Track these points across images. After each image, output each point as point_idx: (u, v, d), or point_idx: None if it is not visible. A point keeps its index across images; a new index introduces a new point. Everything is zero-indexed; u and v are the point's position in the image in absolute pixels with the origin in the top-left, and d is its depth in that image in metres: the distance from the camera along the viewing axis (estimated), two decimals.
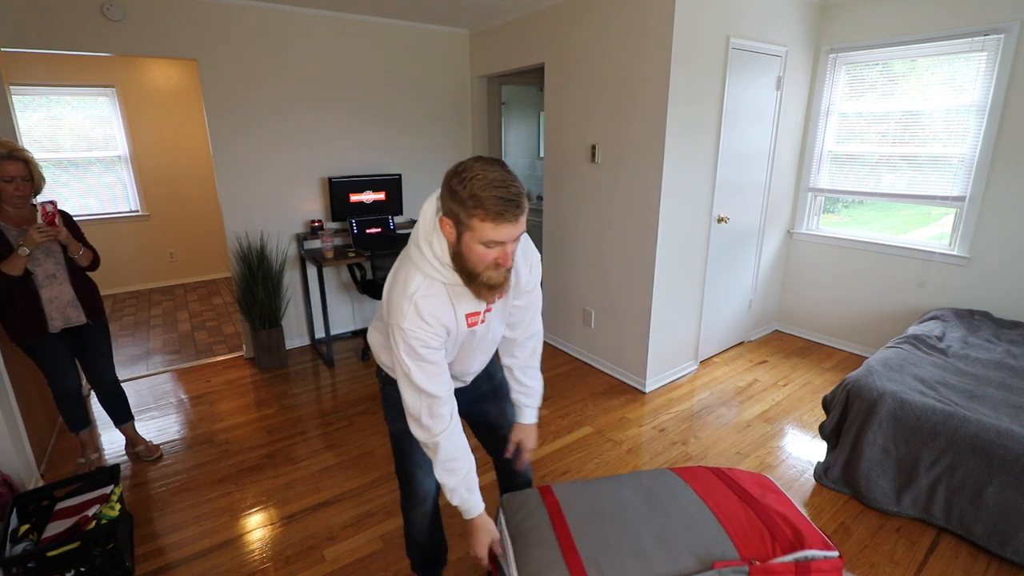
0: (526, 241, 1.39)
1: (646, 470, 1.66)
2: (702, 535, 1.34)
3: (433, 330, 1.22)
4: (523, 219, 1.12)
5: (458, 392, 1.43)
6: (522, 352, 1.55)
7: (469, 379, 1.53)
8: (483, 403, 1.63)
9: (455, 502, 1.33)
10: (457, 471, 1.30)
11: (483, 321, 1.33)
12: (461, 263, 1.17)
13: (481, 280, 1.17)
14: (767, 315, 4.19)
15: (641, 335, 3.23)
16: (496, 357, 1.64)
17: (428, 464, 1.47)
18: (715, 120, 3.15)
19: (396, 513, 2.25)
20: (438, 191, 1.18)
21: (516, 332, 1.52)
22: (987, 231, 3.10)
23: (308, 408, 3.16)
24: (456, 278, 1.21)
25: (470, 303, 1.27)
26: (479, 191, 1.06)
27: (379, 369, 1.53)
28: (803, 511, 1.45)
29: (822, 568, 1.29)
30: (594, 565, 1.26)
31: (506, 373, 1.59)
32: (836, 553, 1.31)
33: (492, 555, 1.43)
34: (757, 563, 1.27)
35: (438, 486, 1.50)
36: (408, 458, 1.52)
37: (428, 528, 1.63)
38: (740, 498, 1.46)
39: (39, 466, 2.48)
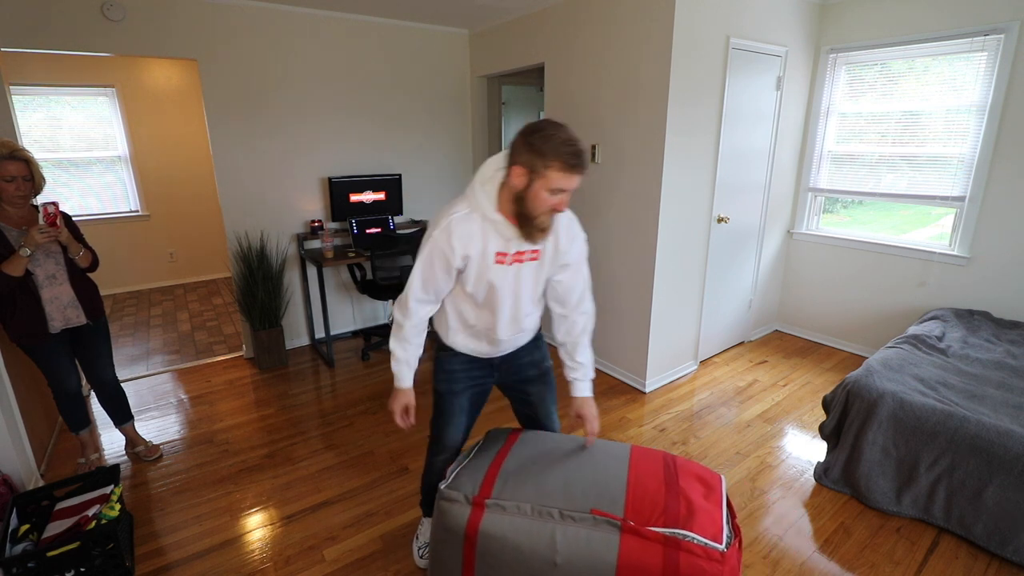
0: (571, 216, 1.57)
1: (611, 440, 1.82)
2: (603, 491, 1.47)
3: (455, 253, 1.42)
4: (584, 173, 1.35)
5: (505, 366, 1.71)
6: (572, 328, 1.67)
7: (502, 346, 1.64)
8: (528, 384, 1.78)
9: (394, 368, 1.61)
10: (408, 349, 1.59)
11: (509, 263, 1.47)
12: (522, 207, 1.37)
13: (536, 224, 1.38)
14: (767, 315, 4.19)
15: (641, 335, 3.23)
16: (547, 347, 1.81)
17: (458, 423, 1.73)
18: (715, 120, 3.15)
19: (396, 513, 2.26)
20: (500, 154, 1.42)
21: (566, 308, 1.67)
22: (987, 231, 3.10)
23: (308, 408, 3.16)
24: (495, 215, 1.40)
25: (500, 243, 1.44)
26: (558, 147, 1.28)
27: (434, 332, 1.73)
28: (723, 509, 1.46)
29: (693, 551, 1.32)
30: (503, 479, 1.53)
31: (560, 352, 1.73)
32: (719, 546, 1.33)
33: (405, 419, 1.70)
34: (631, 523, 1.37)
35: (461, 442, 1.79)
36: (443, 416, 1.74)
37: (444, 473, 1.83)
38: (665, 479, 1.53)
39: (39, 466, 2.48)
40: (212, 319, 4.78)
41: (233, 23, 3.37)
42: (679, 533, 1.35)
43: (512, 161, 1.35)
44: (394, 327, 1.60)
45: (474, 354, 1.67)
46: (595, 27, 3.20)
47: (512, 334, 1.62)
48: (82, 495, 2.05)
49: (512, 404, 1.88)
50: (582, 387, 1.70)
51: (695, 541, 1.33)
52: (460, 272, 1.49)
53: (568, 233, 1.55)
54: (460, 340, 1.64)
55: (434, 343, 1.74)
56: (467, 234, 1.42)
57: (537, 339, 1.78)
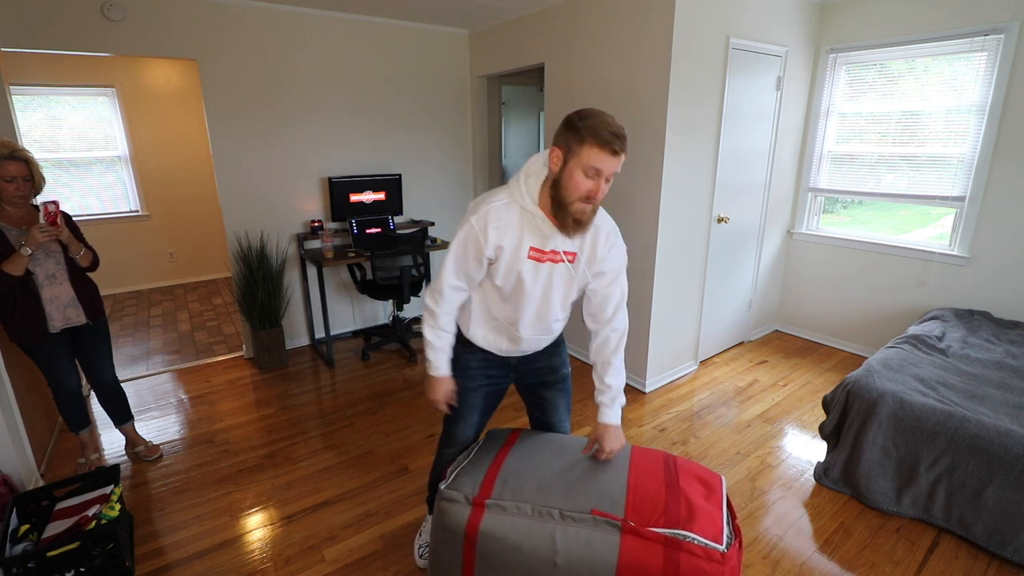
0: (613, 227, 1.52)
1: None
2: (603, 491, 1.47)
3: (488, 242, 1.40)
4: (622, 158, 1.30)
5: (522, 367, 1.69)
6: (604, 347, 1.61)
7: (523, 344, 1.61)
8: (540, 389, 1.77)
9: (430, 356, 1.59)
10: (442, 336, 1.58)
11: (542, 261, 1.44)
12: (557, 191, 1.34)
13: (570, 211, 1.34)
14: (767, 315, 4.19)
15: (641, 335, 3.23)
16: (567, 354, 1.80)
17: (471, 420, 1.73)
18: (715, 120, 3.15)
19: (396, 513, 2.26)
20: (544, 151, 1.40)
21: (598, 323, 1.61)
22: (987, 231, 3.10)
23: (308, 408, 3.16)
24: (535, 208, 1.39)
25: (537, 239, 1.42)
26: (596, 125, 1.27)
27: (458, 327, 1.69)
28: (723, 510, 1.46)
29: (694, 551, 1.32)
30: (503, 480, 1.53)
31: (592, 374, 1.66)
32: (719, 547, 1.33)
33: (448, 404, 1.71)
34: (631, 523, 1.36)
35: (472, 439, 1.77)
36: (457, 412, 1.72)
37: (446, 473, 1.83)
38: (665, 479, 1.53)
39: (39, 466, 2.48)
40: (212, 319, 4.78)
41: (233, 23, 3.37)
42: (679, 534, 1.35)
43: (552, 144, 1.35)
44: (426, 315, 1.57)
45: (493, 351, 1.64)
46: (595, 27, 3.20)
47: (535, 334, 1.58)
48: (82, 495, 2.05)
49: (526, 406, 1.87)
50: (608, 413, 1.60)
51: (695, 542, 1.33)
52: (491, 263, 1.45)
53: (608, 241, 1.50)
54: (481, 334, 1.61)
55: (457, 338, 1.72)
56: (504, 224, 1.39)
57: (558, 343, 1.74)
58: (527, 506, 1.45)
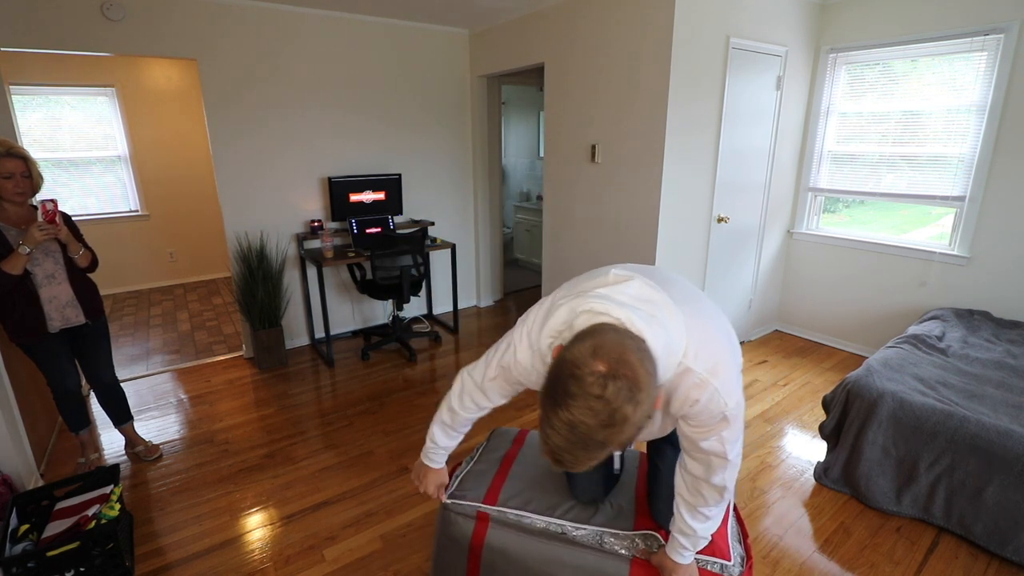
0: (711, 396, 1.08)
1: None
2: (613, 504, 1.47)
3: (509, 386, 1.25)
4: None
5: None
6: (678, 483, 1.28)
7: None
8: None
9: (428, 451, 1.47)
10: (452, 438, 1.44)
11: None
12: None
13: None
14: (767, 315, 4.19)
15: None
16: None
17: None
18: (715, 120, 3.15)
19: (396, 513, 2.26)
20: (558, 325, 1.07)
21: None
22: (987, 231, 3.10)
23: (308, 408, 3.16)
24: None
25: None
26: (546, 430, 0.89)
27: None
28: (730, 524, 1.45)
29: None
30: (509, 489, 1.52)
31: None
32: (733, 571, 1.31)
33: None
34: (640, 558, 1.33)
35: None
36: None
37: None
38: None
39: (39, 466, 2.47)
40: (212, 319, 4.78)
41: (233, 23, 3.37)
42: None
43: (558, 343, 1.05)
44: (446, 412, 1.39)
45: None
46: (595, 27, 3.20)
47: None
48: (82, 495, 2.05)
49: None
50: (672, 545, 1.29)
51: (708, 568, 1.31)
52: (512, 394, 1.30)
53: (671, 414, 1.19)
54: None
55: None
56: (526, 371, 1.18)
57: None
58: (535, 521, 1.43)
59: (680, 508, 1.24)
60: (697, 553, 1.32)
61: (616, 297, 1.00)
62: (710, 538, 1.28)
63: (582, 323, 0.98)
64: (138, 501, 2.36)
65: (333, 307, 4.17)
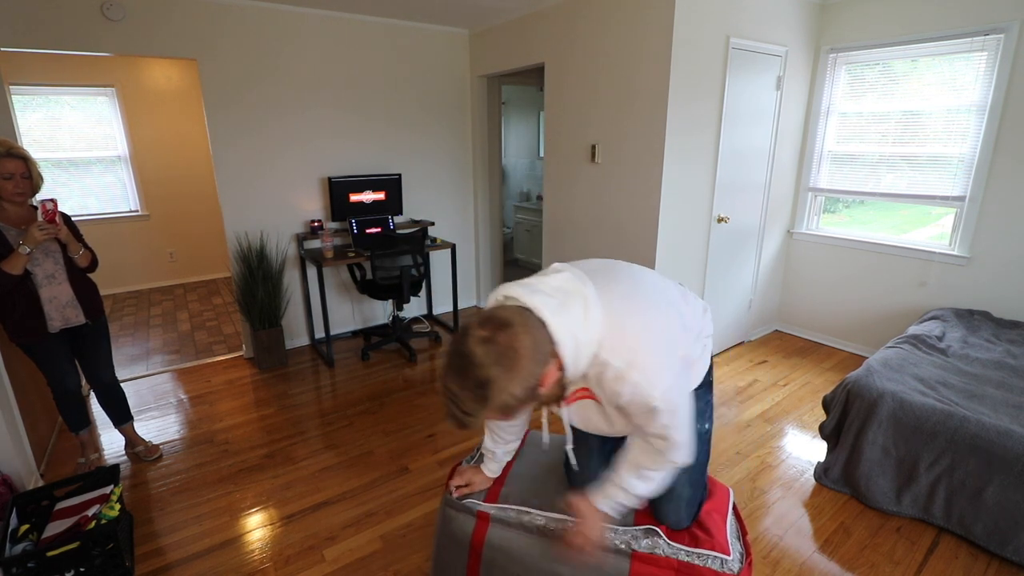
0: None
1: None
2: None
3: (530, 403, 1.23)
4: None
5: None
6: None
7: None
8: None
9: (484, 459, 1.57)
10: (496, 442, 1.53)
11: (572, 402, 1.26)
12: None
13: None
14: (767, 315, 4.19)
15: None
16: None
17: None
18: (715, 120, 3.15)
19: (396, 513, 2.26)
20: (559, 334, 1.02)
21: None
22: (987, 231, 3.10)
23: (308, 408, 3.16)
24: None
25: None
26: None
27: None
28: (729, 522, 1.45)
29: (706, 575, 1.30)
30: (509, 487, 1.54)
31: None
32: (732, 567, 1.31)
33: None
34: (642, 551, 1.33)
35: None
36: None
37: None
38: None
39: (39, 466, 2.47)
40: (212, 319, 4.78)
41: (233, 23, 3.37)
42: (694, 552, 1.34)
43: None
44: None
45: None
46: (595, 27, 3.20)
47: (600, 432, 1.36)
48: (82, 495, 2.05)
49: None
50: (599, 491, 1.30)
51: (708, 565, 1.31)
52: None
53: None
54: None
55: None
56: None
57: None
58: (535, 518, 1.43)
59: (623, 465, 1.25)
60: (695, 548, 1.33)
61: (536, 286, 1.08)
62: (639, 502, 1.29)
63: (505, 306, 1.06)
64: (138, 501, 2.36)
65: (333, 307, 4.17)
